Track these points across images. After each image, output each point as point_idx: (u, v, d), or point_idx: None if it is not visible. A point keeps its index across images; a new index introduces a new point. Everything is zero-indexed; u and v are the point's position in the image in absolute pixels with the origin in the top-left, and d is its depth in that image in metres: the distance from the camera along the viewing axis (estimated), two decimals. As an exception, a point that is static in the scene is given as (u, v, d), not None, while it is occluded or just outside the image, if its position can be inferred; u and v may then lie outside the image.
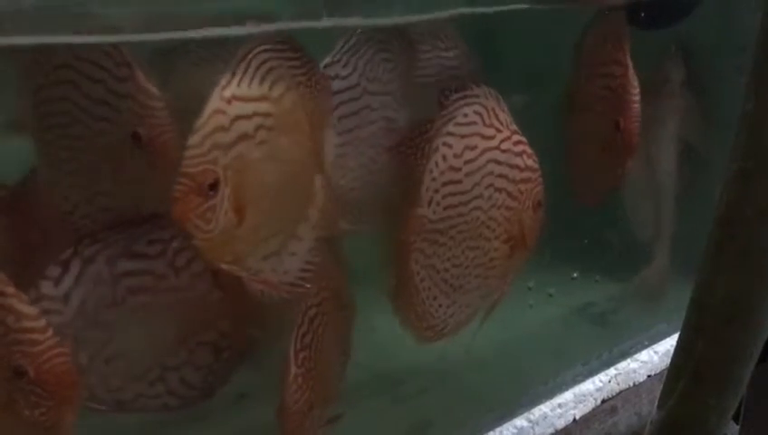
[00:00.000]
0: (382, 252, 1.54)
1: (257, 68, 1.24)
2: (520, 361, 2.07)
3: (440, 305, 1.58)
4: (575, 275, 2.22)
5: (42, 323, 1.18)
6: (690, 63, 2.29)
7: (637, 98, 1.85)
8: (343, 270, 1.54)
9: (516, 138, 1.60)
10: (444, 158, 1.50)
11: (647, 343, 2.21)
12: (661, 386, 1.32)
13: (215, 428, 1.65)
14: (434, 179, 1.49)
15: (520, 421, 1.90)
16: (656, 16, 2.07)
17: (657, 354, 2.17)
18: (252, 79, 1.23)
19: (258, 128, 1.24)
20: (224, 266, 1.27)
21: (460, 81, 1.74)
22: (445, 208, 1.52)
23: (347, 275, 1.55)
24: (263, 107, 1.25)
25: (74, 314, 1.32)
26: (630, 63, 1.84)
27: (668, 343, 2.21)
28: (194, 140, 1.17)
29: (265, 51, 1.25)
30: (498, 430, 1.86)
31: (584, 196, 2.01)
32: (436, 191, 1.50)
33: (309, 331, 1.42)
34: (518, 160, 1.60)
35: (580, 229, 2.19)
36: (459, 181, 1.52)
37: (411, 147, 1.50)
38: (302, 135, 1.35)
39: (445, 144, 1.50)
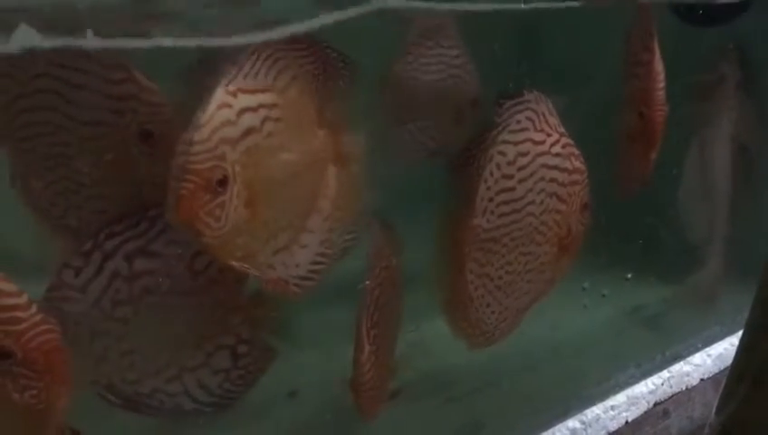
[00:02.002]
0: (436, 264, 1.55)
1: (262, 60, 1.21)
2: (573, 361, 2.07)
3: (492, 312, 1.59)
4: (629, 275, 2.21)
5: (24, 298, 1.10)
6: (746, 63, 2.25)
7: (661, 85, 1.77)
8: (396, 249, 1.56)
9: (565, 140, 1.60)
10: (498, 166, 1.51)
11: (700, 345, 2.20)
12: (714, 390, 1.30)
13: (266, 426, 1.70)
14: (488, 189, 1.50)
15: (572, 423, 1.90)
16: (711, 14, 2.05)
17: (710, 358, 2.15)
18: (257, 70, 1.20)
19: (264, 120, 1.21)
20: (234, 264, 1.25)
21: (461, 81, 1.80)
22: (499, 217, 1.53)
23: (399, 253, 1.56)
24: (268, 98, 1.22)
25: (91, 305, 1.32)
26: (657, 51, 1.77)
27: (722, 347, 2.19)
28: (200, 135, 1.12)
29: (271, 44, 1.23)
30: (551, 430, 1.87)
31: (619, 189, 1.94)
32: (491, 200, 1.51)
33: (376, 309, 1.47)
34: (567, 163, 1.60)
35: (636, 230, 2.19)
36: (512, 189, 1.53)
37: (469, 158, 1.51)
38: (311, 125, 1.33)
39: (499, 153, 1.51)
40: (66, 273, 1.30)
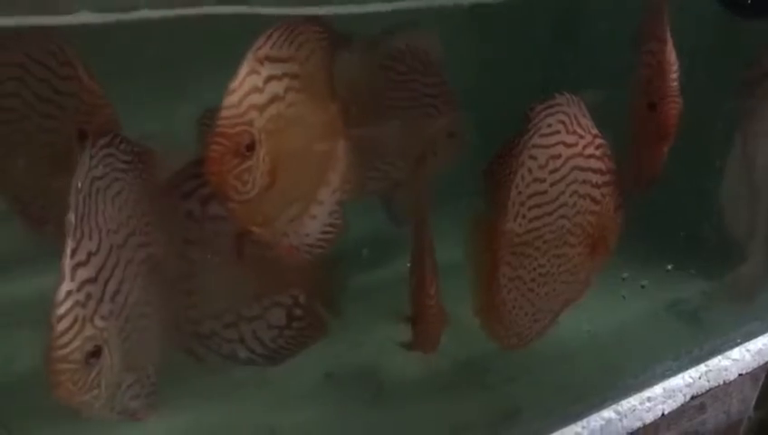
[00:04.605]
0: (469, 268, 1.59)
1: (288, 31, 1.24)
2: (610, 351, 2.08)
3: (526, 314, 1.62)
4: (670, 267, 2.20)
5: None
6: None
7: (675, 76, 1.68)
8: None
9: (598, 141, 1.60)
10: (529, 170, 1.52)
11: (739, 340, 2.17)
12: (752, 385, 1.31)
13: (302, 407, 1.77)
14: (520, 193, 1.52)
15: (608, 413, 1.92)
16: (759, 5, 1.99)
17: (749, 353, 2.13)
18: (282, 41, 1.23)
19: (287, 89, 1.24)
20: (253, 229, 1.29)
21: (436, 111, 1.78)
22: (531, 220, 1.54)
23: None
24: (291, 68, 1.25)
25: (165, 242, 1.37)
26: (670, 40, 1.68)
27: (761, 342, 2.17)
28: (231, 100, 1.16)
29: (295, 19, 1.27)
30: (586, 420, 1.89)
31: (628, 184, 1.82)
32: (522, 204, 1.53)
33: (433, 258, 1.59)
34: (600, 164, 1.61)
35: (678, 222, 2.17)
36: (544, 192, 1.55)
37: (501, 164, 1.52)
38: (326, 98, 1.37)
39: (530, 157, 1.52)
40: None
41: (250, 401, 1.74)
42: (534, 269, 1.58)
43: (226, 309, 1.46)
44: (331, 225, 1.43)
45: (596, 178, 1.61)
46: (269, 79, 1.21)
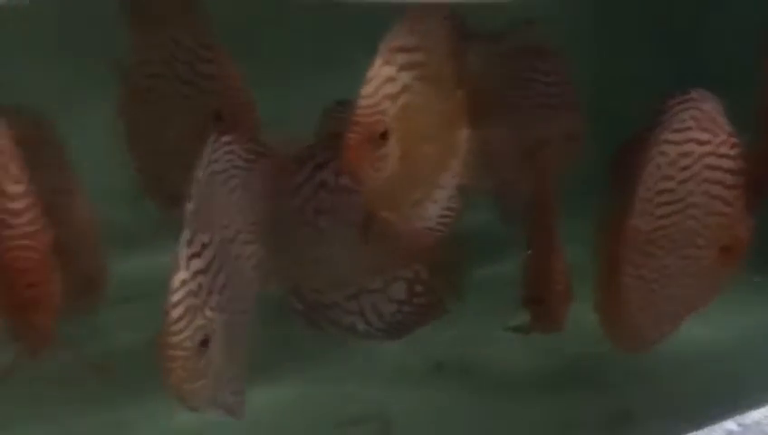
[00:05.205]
0: (593, 264, 1.57)
1: (416, 21, 1.28)
2: (735, 360, 2.00)
3: (647, 315, 1.58)
4: (810, 273, 2.09)
5: (23, 203, 1.13)
6: None
7: None
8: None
9: (732, 141, 1.54)
10: (658, 166, 1.49)
11: None
12: None
13: (411, 391, 1.80)
14: (648, 189, 1.49)
15: (730, 424, 1.84)
16: None
17: None
18: (413, 31, 1.27)
19: (415, 78, 1.29)
20: (382, 213, 1.35)
21: (556, 113, 1.74)
22: (658, 218, 1.51)
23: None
24: (419, 57, 1.29)
25: (298, 209, 1.44)
26: None
27: None
28: (367, 90, 1.22)
29: (423, 9, 1.30)
30: (705, 430, 1.83)
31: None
32: (650, 201, 1.50)
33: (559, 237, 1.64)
34: (733, 165, 1.55)
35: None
36: (673, 190, 1.51)
37: (629, 159, 1.50)
38: (450, 86, 1.39)
39: (660, 153, 1.49)
40: None
41: (359, 380, 1.78)
42: (658, 270, 1.55)
43: (350, 280, 1.51)
44: (448, 208, 1.46)
45: (728, 179, 1.55)
46: (401, 69, 1.26)
